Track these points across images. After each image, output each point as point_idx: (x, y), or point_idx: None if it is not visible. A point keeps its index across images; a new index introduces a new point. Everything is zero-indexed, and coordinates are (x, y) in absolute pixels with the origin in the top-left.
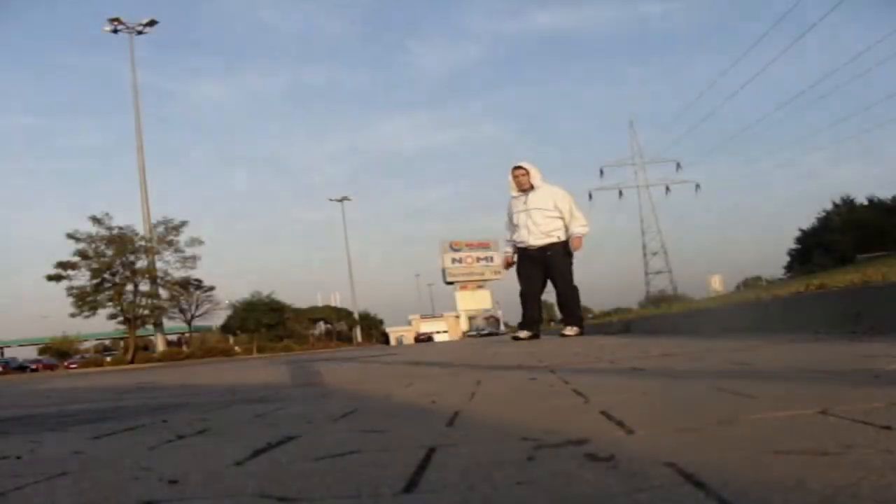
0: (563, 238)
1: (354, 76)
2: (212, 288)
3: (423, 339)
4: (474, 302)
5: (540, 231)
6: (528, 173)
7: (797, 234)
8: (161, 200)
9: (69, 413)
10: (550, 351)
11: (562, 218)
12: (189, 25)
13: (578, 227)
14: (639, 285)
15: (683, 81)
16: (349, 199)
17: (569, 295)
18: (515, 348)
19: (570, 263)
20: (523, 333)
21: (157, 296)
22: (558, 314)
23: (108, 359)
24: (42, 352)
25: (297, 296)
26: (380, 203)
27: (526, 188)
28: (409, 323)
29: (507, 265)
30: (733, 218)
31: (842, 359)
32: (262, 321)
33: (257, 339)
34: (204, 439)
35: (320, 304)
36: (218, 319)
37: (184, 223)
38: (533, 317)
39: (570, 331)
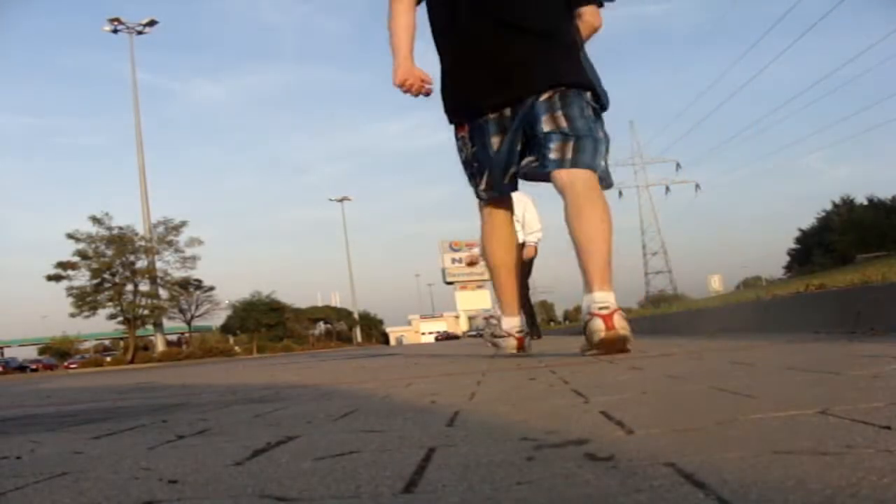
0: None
1: (354, 76)
2: (211, 288)
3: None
4: (474, 302)
5: None
6: None
7: (797, 234)
8: (161, 200)
9: (69, 413)
10: (550, 351)
11: (518, 221)
12: (189, 25)
13: (529, 235)
14: (639, 285)
15: (683, 81)
16: (349, 199)
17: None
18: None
19: (524, 267)
20: None
21: (157, 296)
22: (558, 314)
23: (108, 359)
24: (42, 352)
25: (297, 296)
26: (380, 203)
27: None
28: (409, 323)
29: (469, 263)
30: (733, 218)
31: (842, 359)
32: (262, 321)
33: (257, 339)
34: (204, 439)
35: (320, 304)
36: (218, 319)
37: (183, 223)
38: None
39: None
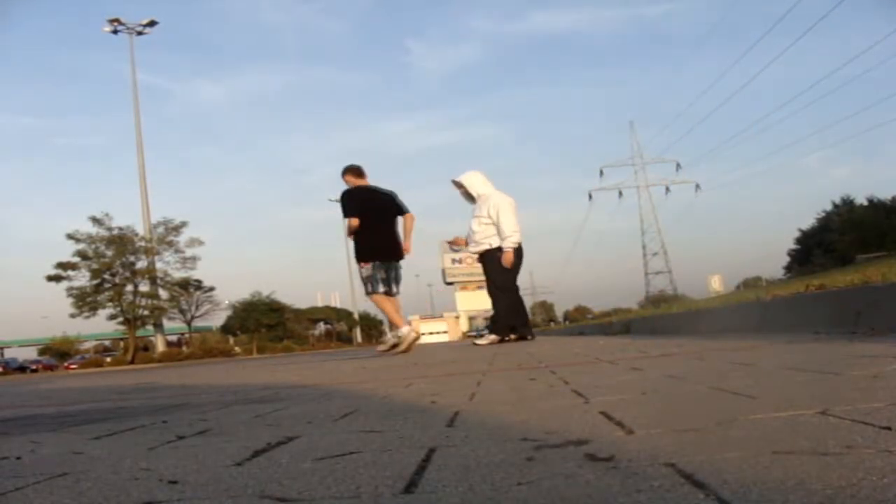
0: (495, 244)
1: (355, 76)
2: (212, 288)
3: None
4: (474, 302)
5: (474, 239)
6: (462, 186)
7: (797, 234)
8: (161, 201)
9: (69, 413)
10: (550, 351)
11: (491, 224)
12: (190, 26)
13: (504, 242)
14: (639, 285)
15: (683, 81)
16: None
17: (493, 300)
18: (515, 348)
19: (503, 269)
20: (482, 340)
21: (157, 296)
22: (559, 315)
23: (108, 359)
24: (42, 352)
25: (297, 296)
26: None
27: (471, 198)
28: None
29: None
30: (733, 218)
31: (842, 359)
32: (262, 321)
33: (257, 340)
34: (204, 440)
35: (320, 304)
36: (218, 320)
37: (184, 224)
38: (507, 322)
39: (482, 340)
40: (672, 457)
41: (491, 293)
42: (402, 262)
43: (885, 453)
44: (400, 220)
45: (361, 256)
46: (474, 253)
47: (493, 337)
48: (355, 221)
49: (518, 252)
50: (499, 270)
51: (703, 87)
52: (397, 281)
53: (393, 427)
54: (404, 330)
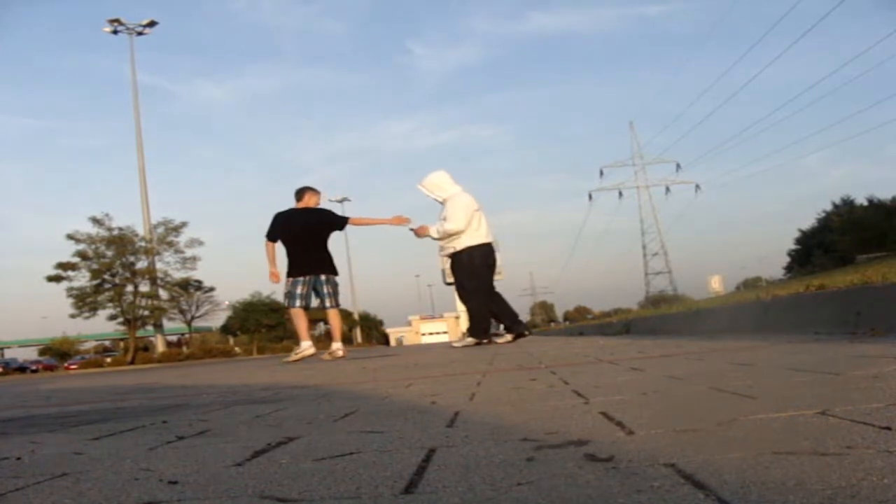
0: (459, 248)
1: (355, 77)
2: (212, 289)
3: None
4: None
5: (440, 244)
6: (426, 188)
7: (797, 234)
8: (161, 201)
9: (69, 414)
10: (550, 351)
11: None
12: (190, 27)
13: (436, 225)
14: (639, 286)
15: (683, 81)
16: (349, 200)
17: (464, 304)
18: (515, 348)
19: (469, 272)
20: (458, 342)
21: (157, 297)
22: (559, 315)
23: (109, 360)
24: (42, 352)
25: None
26: (379, 203)
27: (439, 202)
28: (409, 323)
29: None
30: (733, 218)
31: (842, 359)
32: (262, 322)
33: (257, 340)
34: (204, 440)
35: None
36: (218, 320)
37: (184, 224)
38: (481, 324)
39: (458, 342)
40: (672, 457)
41: (460, 297)
42: (335, 277)
43: (885, 453)
44: (345, 231)
45: (287, 273)
46: (445, 257)
47: (469, 340)
48: (269, 246)
49: (485, 253)
50: (465, 275)
51: (703, 87)
52: (331, 294)
53: (393, 427)
54: (304, 345)
